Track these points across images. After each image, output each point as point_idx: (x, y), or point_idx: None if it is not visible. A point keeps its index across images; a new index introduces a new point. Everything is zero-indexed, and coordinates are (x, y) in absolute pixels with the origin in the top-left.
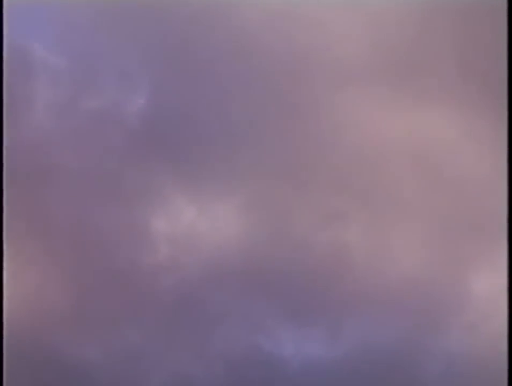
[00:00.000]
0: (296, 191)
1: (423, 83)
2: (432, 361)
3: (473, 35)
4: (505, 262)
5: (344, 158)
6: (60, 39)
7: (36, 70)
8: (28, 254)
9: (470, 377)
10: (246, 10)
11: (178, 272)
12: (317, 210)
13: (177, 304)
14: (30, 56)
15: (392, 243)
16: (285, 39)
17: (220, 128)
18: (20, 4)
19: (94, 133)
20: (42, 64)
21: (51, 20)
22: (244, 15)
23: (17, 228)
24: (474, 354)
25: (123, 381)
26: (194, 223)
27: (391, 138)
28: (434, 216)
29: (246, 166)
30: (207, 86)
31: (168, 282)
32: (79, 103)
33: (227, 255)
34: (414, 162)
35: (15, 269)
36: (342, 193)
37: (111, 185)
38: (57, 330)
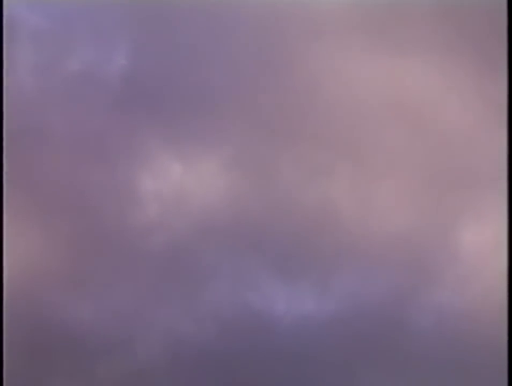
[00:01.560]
0: (280, 146)
1: (405, 32)
2: (423, 315)
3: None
4: (504, 214)
5: (328, 112)
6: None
7: (17, 31)
8: (13, 212)
9: (461, 331)
10: None
11: (167, 231)
12: (303, 165)
13: (167, 262)
14: (11, 17)
15: (378, 196)
16: None
17: (202, 86)
18: None
19: (77, 94)
20: (23, 25)
21: None
22: None
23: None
24: (465, 308)
25: (115, 340)
26: (180, 180)
27: (375, 90)
28: (420, 168)
29: (230, 122)
30: (187, 45)
31: (157, 241)
32: (61, 64)
33: (214, 213)
34: (398, 114)
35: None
36: (326, 147)
37: (96, 146)
38: (49, 292)
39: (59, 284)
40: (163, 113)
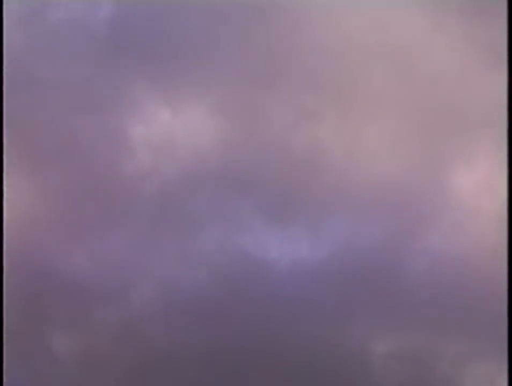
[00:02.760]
0: (269, 90)
1: None
2: (416, 259)
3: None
4: (504, 158)
5: (314, 56)
6: None
7: None
8: (9, 163)
9: (454, 275)
10: None
11: (158, 178)
12: (291, 109)
13: (159, 209)
14: None
15: (367, 139)
16: None
17: (189, 33)
18: None
19: (65, 42)
20: None
21: None
22: None
23: None
24: (457, 252)
25: (110, 288)
26: (169, 126)
27: (361, 34)
28: (409, 111)
29: (218, 68)
30: None
31: (149, 188)
32: (48, 13)
33: (204, 157)
34: (385, 57)
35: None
36: (314, 90)
37: (85, 94)
38: (44, 241)
39: (54, 233)
40: (151, 60)
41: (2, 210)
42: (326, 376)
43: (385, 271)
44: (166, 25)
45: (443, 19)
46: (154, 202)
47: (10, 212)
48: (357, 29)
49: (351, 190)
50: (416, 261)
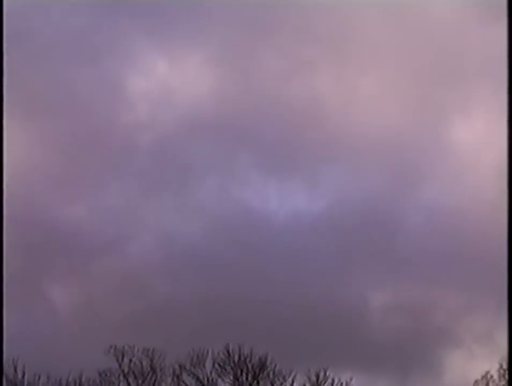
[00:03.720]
0: (265, 41)
1: None
2: (414, 211)
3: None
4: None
5: (311, 8)
6: None
7: None
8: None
9: (452, 227)
10: None
11: (155, 128)
12: (287, 59)
13: (157, 160)
14: None
15: (364, 91)
16: None
17: None
18: None
19: None
20: None
21: None
22: None
23: None
24: (456, 204)
25: (108, 239)
26: (166, 78)
27: None
28: (407, 61)
29: (214, 19)
30: None
31: (146, 139)
32: None
33: (201, 109)
34: (383, 8)
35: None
36: (310, 41)
37: (83, 45)
38: (43, 192)
39: (53, 185)
40: (148, 12)
41: (2, 162)
42: (324, 326)
43: (382, 223)
44: None
45: None
46: (151, 153)
47: (10, 163)
48: None
49: (349, 141)
50: (414, 213)
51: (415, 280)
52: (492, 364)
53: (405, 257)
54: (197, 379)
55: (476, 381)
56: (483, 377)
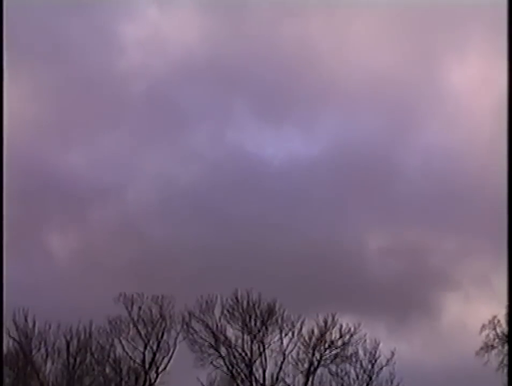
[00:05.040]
0: None
1: None
2: (410, 154)
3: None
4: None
5: None
6: None
7: None
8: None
9: (449, 170)
10: None
11: (148, 75)
12: (278, 4)
13: (151, 106)
14: None
15: (357, 33)
16: None
17: None
18: None
19: None
20: None
21: None
22: None
23: None
24: (453, 147)
25: (106, 186)
26: (158, 24)
27: None
28: (400, 4)
29: None
30: None
31: (140, 85)
32: None
33: (194, 55)
34: None
35: None
36: None
37: None
38: (40, 141)
39: (49, 133)
40: None
41: (2, 112)
42: (322, 269)
43: (379, 166)
44: None
45: None
46: (145, 100)
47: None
48: None
49: (343, 85)
50: (411, 156)
51: (412, 223)
52: (499, 309)
53: (402, 200)
54: (206, 325)
55: (483, 326)
56: (490, 322)
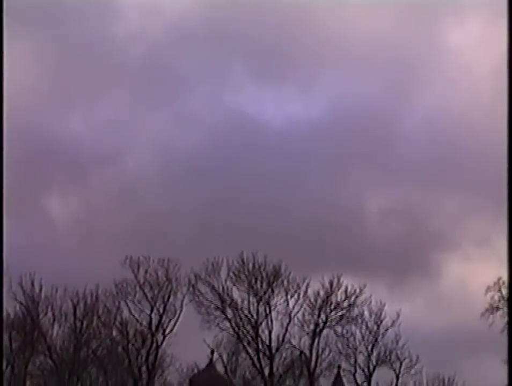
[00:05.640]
0: None
1: None
2: (411, 115)
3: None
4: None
5: None
6: None
7: None
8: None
9: (450, 131)
10: None
11: (146, 38)
12: None
13: (149, 70)
14: None
15: None
16: None
17: None
18: None
19: None
20: None
21: None
22: None
23: None
24: (453, 108)
25: (105, 151)
26: None
27: None
28: None
29: None
30: None
31: (138, 49)
32: None
33: (191, 18)
34: None
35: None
36: None
37: None
38: (40, 106)
39: (49, 98)
40: None
41: (2, 77)
42: (322, 231)
43: (379, 128)
44: None
45: None
46: (143, 63)
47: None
48: None
49: (342, 46)
50: (411, 117)
51: (412, 184)
52: (501, 270)
53: (402, 161)
54: (212, 288)
55: (488, 287)
56: (495, 283)
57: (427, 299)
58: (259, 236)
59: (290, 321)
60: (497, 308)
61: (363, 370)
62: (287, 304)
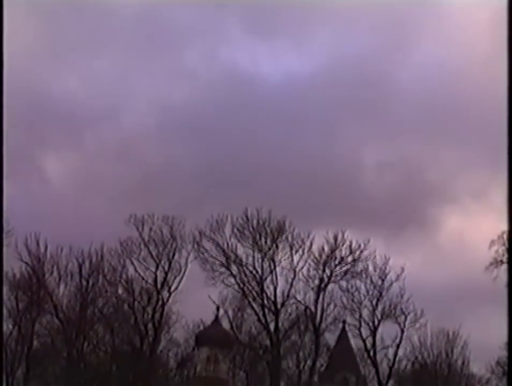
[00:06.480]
0: None
1: None
2: (407, 69)
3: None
4: None
5: None
6: None
7: None
8: None
9: (447, 85)
10: None
11: None
12: None
13: (144, 26)
14: None
15: None
16: None
17: None
18: None
19: None
20: None
21: None
22: None
23: None
24: (449, 62)
25: (101, 109)
26: None
27: None
28: None
29: None
30: None
31: (133, 6)
32: None
33: None
34: None
35: None
36: None
37: None
38: (35, 67)
39: (42, 58)
40: None
41: (2, 39)
42: (320, 185)
43: (375, 82)
44: None
45: None
46: (138, 20)
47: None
48: None
49: (337, 0)
50: (407, 70)
51: (408, 138)
52: (500, 223)
53: (400, 115)
54: (217, 244)
55: (492, 241)
56: (499, 237)
57: (428, 253)
58: (263, 192)
59: (294, 276)
60: (501, 262)
61: (368, 325)
62: (292, 260)
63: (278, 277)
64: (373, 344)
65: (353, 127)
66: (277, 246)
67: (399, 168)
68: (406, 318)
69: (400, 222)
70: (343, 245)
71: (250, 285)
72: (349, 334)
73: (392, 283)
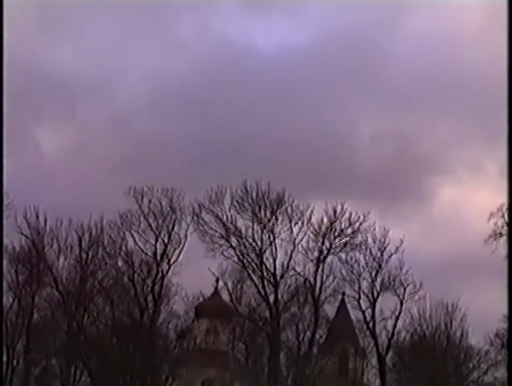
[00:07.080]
0: None
1: None
2: (402, 40)
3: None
4: None
5: None
6: None
7: None
8: None
9: (441, 56)
10: None
11: None
12: None
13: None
14: None
15: None
16: None
17: None
18: None
19: None
20: None
21: None
22: None
23: None
24: (444, 32)
25: (94, 82)
26: None
27: None
28: None
29: None
30: None
31: None
32: None
33: None
34: None
35: None
36: None
37: None
38: (28, 39)
39: (35, 30)
40: None
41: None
42: (314, 156)
43: (371, 52)
44: None
45: None
46: None
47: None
48: None
49: None
50: (402, 42)
51: (403, 109)
52: (495, 195)
53: (394, 86)
54: (216, 216)
55: (491, 214)
56: (498, 210)
57: (425, 226)
58: (260, 164)
59: (294, 248)
60: (500, 234)
61: (367, 296)
62: (291, 232)
63: (278, 249)
64: (372, 316)
65: (349, 98)
66: (276, 218)
67: (395, 139)
68: (405, 290)
69: (396, 194)
70: (342, 217)
71: (249, 257)
72: (348, 306)
73: (391, 255)
